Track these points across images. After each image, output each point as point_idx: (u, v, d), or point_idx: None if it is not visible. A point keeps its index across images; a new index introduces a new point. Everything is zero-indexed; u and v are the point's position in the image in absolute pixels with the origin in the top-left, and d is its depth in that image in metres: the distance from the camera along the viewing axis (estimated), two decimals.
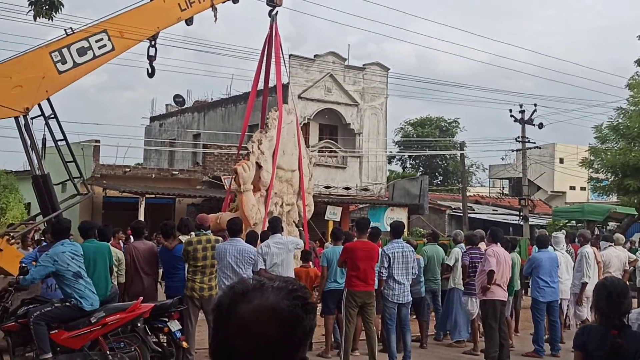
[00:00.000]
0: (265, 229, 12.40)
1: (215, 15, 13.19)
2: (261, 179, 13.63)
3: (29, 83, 10.55)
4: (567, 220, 21.83)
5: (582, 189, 42.19)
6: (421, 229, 28.65)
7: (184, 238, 9.05)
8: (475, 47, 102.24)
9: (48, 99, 11.10)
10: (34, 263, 7.86)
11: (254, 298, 1.60)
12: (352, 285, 8.88)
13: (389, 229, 11.24)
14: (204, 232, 8.86)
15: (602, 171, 26.20)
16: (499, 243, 9.76)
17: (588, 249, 10.98)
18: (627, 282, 11.98)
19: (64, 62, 10.88)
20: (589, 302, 10.79)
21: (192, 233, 9.25)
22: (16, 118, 10.71)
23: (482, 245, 10.57)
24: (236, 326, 1.58)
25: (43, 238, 12.09)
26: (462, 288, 10.73)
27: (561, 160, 41.99)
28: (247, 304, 1.59)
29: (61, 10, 10.14)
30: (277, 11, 14.91)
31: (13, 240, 10.42)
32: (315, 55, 28.37)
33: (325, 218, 22.44)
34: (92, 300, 7.16)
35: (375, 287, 9.31)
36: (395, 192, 29.35)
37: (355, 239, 9.57)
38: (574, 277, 11.02)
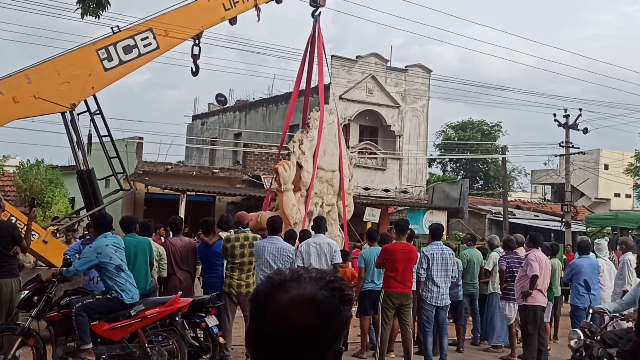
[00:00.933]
0: (308, 228, 12.47)
1: (258, 16, 13.30)
2: (302, 178, 13.68)
3: (76, 79, 10.80)
4: (600, 228, 21.34)
5: (627, 196, 41.17)
6: (460, 233, 28.34)
7: (223, 235, 9.15)
8: (521, 50, 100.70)
9: (94, 96, 11.35)
10: (77, 255, 8.03)
11: (291, 288, 1.61)
12: (390, 286, 8.85)
13: (427, 232, 11.17)
14: (242, 229, 8.95)
15: None
16: (539, 248, 9.63)
17: (630, 256, 10.72)
18: None
19: (110, 59, 11.11)
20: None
21: (232, 230, 9.36)
22: (63, 113, 10.97)
23: (521, 250, 10.42)
24: (274, 316, 1.59)
25: (87, 232, 12.35)
26: (501, 293, 10.61)
27: (606, 167, 41.05)
28: (285, 293, 1.60)
29: (108, 8, 10.36)
30: (320, 12, 14.96)
31: (58, 233, 10.68)
32: (357, 57, 28.32)
33: (364, 219, 22.39)
34: (132, 294, 7.28)
35: (414, 288, 9.28)
36: (434, 195, 29.10)
37: (394, 240, 9.52)
38: (616, 284, 10.77)
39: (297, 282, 1.62)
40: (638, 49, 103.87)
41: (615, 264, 11.43)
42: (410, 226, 26.05)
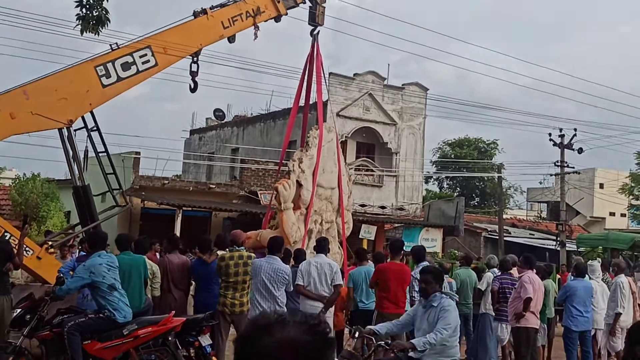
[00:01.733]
0: (308, 246, 12.46)
1: (255, 34, 13.38)
2: (301, 197, 13.70)
3: (73, 96, 10.83)
4: (591, 248, 21.37)
5: (622, 215, 41.26)
6: (456, 251, 28.32)
7: (222, 253, 9.16)
8: (516, 70, 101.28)
9: (91, 112, 11.37)
10: (71, 273, 8.03)
11: (275, 332, 1.64)
12: (383, 307, 8.85)
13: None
14: (237, 248, 8.94)
15: None
16: (533, 269, 9.65)
17: (623, 278, 10.75)
18: None
19: (108, 76, 11.15)
20: (623, 332, 10.55)
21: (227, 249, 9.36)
22: (60, 129, 10.99)
23: (515, 271, 10.44)
24: (258, 359, 1.62)
25: (80, 247, 12.33)
26: (493, 313, 10.61)
27: (601, 186, 41.16)
28: (269, 337, 1.63)
29: (107, 25, 10.42)
30: (319, 30, 15.05)
31: (52, 250, 10.67)
32: (354, 74, 28.49)
33: (360, 236, 22.39)
34: (125, 313, 7.27)
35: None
36: (430, 212, 29.13)
37: (389, 259, 9.53)
38: (608, 307, 10.79)
39: (281, 325, 1.65)
40: (632, 70, 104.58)
41: (608, 286, 11.44)
42: (406, 244, 26.11)
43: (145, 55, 11.62)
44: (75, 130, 11.30)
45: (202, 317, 8.14)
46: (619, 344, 10.65)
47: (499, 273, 10.67)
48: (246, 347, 1.65)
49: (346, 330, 10.42)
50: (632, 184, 25.71)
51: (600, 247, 23.14)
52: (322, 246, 9.22)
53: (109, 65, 11.19)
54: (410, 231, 26.14)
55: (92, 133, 11.53)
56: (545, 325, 10.93)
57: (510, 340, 10.13)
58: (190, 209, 21.25)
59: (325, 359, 1.65)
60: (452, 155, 48.76)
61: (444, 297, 6.16)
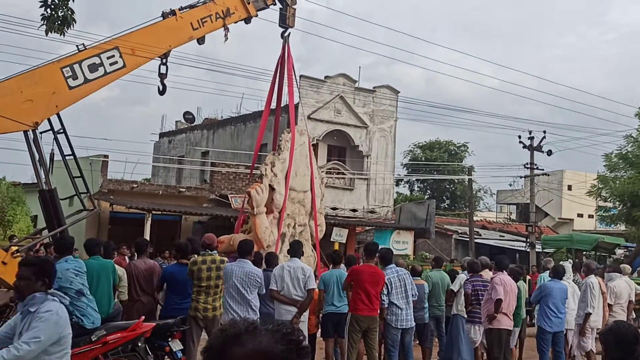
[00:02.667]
0: (281, 249, 12.37)
1: (226, 35, 13.28)
2: (274, 201, 13.63)
3: (39, 98, 10.59)
4: (555, 249, 21.64)
5: (590, 216, 41.92)
6: (427, 253, 28.48)
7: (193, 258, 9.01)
8: (485, 72, 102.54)
9: (58, 114, 11.14)
10: None
11: (247, 342, 1.55)
12: (357, 309, 8.82)
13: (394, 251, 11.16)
14: (210, 252, 8.81)
15: (611, 200, 26.05)
16: (505, 271, 9.69)
17: (593, 279, 10.87)
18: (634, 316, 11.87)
19: (75, 77, 10.93)
20: (593, 332, 10.66)
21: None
22: (25, 132, 10.74)
23: (486, 273, 10.48)
24: None
25: (46, 252, 12.07)
26: (465, 315, 10.63)
27: (569, 188, 41.82)
28: (240, 347, 1.54)
29: (73, 26, 10.22)
30: (290, 32, 15.00)
31: (17, 254, 10.40)
32: (325, 77, 28.48)
33: (332, 239, 22.36)
34: (93, 318, 7.11)
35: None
36: (402, 215, 29.25)
37: (362, 262, 9.50)
38: (579, 307, 10.89)
39: (252, 335, 1.56)
40: (599, 73, 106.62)
41: (579, 286, 11.55)
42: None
43: (113, 56, 11.43)
44: (41, 132, 11.06)
45: (173, 322, 8.01)
46: (589, 344, 10.75)
47: (470, 275, 10.68)
48: (214, 358, 1.55)
49: (318, 334, 10.38)
50: (600, 186, 26.06)
51: (565, 248, 23.47)
52: (295, 250, 9.12)
53: (76, 67, 10.97)
54: (381, 234, 26.18)
55: (58, 136, 11.30)
56: (517, 328, 10.97)
57: (483, 341, 10.16)
58: (159, 212, 20.99)
59: None
60: (423, 158, 49.12)
61: (49, 300, 4.45)
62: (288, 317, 8.37)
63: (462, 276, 11.14)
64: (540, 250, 25.67)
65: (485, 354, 10.49)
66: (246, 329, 1.57)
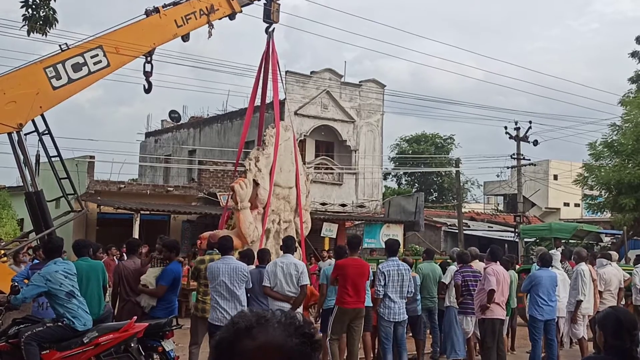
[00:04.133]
0: (265, 245, 12.31)
1: (210, 32, 13.21)
2: (258, 196, 13.56)
3: (22, 99, 10.49)
4: (535, 239, 21.70)
5: (577, 205, 42.22)
6: (417, 246, 28.55)
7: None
8: (470, 64, 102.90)
9: (42, 115, 11.04)
10: (25, 281, 7.74)
11: (258, 334, 1.49)
12: (343, 302, 8.85)
13: (384, 246, 11.14)
14: (217, 251, 8.75)
15: (596, 188, 26.20)
16: (498, 262, 9.72)
17: (584, 266, 10.93)
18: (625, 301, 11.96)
19: (58, 77, 10.83)
20: (585, 320, 10.72)
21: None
22: (9, 134, 10.63)
23: (477, 264, 10.51)
24: None
25: (34, 255, 11.96)
26: (457, 307, 10.66)
27: (555, 177, 42.05)
28: (252, 340, 1.49)
29: (55, 26, 10.11)
30: (274, 28, 14.94)
31: (5, 258, 10.31)
32: (311, 72, 28.43)
33: (322, 235, 22.37)
34: (84, 320, 7.03)
35: (367, 304, 9.35)
36: (391, 208, 29.29)
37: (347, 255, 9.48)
38: (570, 295, 10.95)
39: (264, 327, 1.50)
40: (582, 62, 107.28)
41: (569, 274, 11.61)
42: (368, 240, 26.11)
43: (97, 55, 11.35)
44: (25, 134, 10.96)
45: (165, 321, 7.94)
46: (581, 330, 10.82)
47: (459, 266, 10.70)
48: (226, 351, 1.50)
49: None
50: (586, 175, 26.21)
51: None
52: (288, 246, 9.04)
53: (59, 67, 10.88)
54: (371, 228, 26.22)
55: (43, 137, 11.20)
56: (508, 317, 11.02)
57: (476, 332, 10.18)
58: (148, 212, 20.88)
59: None
60: (410, 151, 49.21)
61: None
62: None
63: (453, 268, 11.16)
64: (530, 240, 25.79)
65: (478, 345, 10.53)
66: (257, 321, 1.52)
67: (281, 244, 9.60)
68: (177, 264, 8.70)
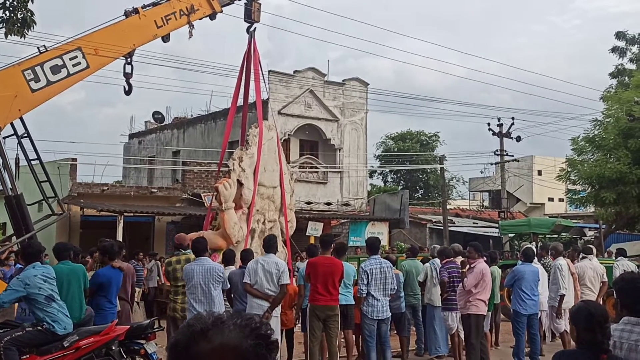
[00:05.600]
0: (250, 246, 12.31)
1: (190, 32, 13.16)
2: (243, 196, 13.54)
3: (1, 102, 10.39)
4: (514, 234, 21.88)
5: (560, 200, 42.54)
6: (402, 243, 28.62)
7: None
8: (453, 62, 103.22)
9: (21, 118, 10.95)
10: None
11: (214, 337, 1.49)
12: (314, 299, 8.93)
13: None
14: (183, 251, 8.76)
15: (579, 183, 26.43)
16: (484, 258, 9.82)
17: (561, 261, 11.05)
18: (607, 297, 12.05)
19: (37, 80, 10.74)
20: (566, 314, 10.82)
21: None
22: None
23: (458, 260, 10.56)
24: None
25: (16, 259, 11.86)
26: (436, 304, 10.72)
27: (539, 173, 42.33)
28: (207, 343, 1.49)
29: (33, 28, 10.05)
30: (255, 27, 14.90)
31: None
32: (294, 71, 28.40)
33: (307, 234, 22.33)
34: (65, 324, 6.99)
35: (348, 302, 9.48)
36: (376, 206, 29.33)
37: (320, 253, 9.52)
38: (550, 289, 11.05)
39: (219, 329, 1.50)
40: (564, 58, 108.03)
41: (547, 269, 11.67)
42: (353, 238, 26.09)
43: (76, 57, 11.25)
44: (4, 137, 10.86)
45: (147, 324, 7.92)
46: (563, 325, 10.91)
47: (443, 262, 10.70)
48: (181, 354, 1.50)
49: (296, 328, 10.38)
50: (569, 170, 26.44)
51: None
52: (269, 245, 9.03)
53: (38, 69, 10.78)
54: (356, 226, 26.25)
55: (22, 140, 11.11)
56: (491, 312, 11.09)
57: (459, 328, 10.22)
58: (132, 214, 20.74)
59: None
60: (395, 149, 49.31)
61: None
62: (260, 312, 8.33)
63: (427, 265, 11.19)
64: (499, 235, 25.95)
65: (463, 340, 10.59)
66: (213, 323, 1.52)
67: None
68: (110, 268, 8.45)
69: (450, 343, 10.79)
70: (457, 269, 10.18)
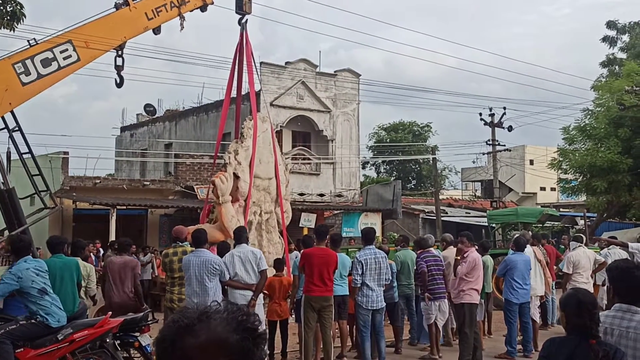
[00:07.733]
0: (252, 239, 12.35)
1: (181, 24, 13.13)
2: (239, 189, 13.57)
3: None
4: (501, 223, 22.00)
5: (552, 189, 42.75)
6: (395, 234, 28.70)
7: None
8: (443, 52, 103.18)
9: (12, 111, 10.91)
10: None
11: (200, 331, 1.48)
12: (309, 290, 8.94)
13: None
14: (181, 244, 8.82)
15: (571, 172, 26.56)
16: (475, 247, 9.87)
17: (528, 249, 11.21)
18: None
19: (27, 73, 10.69)
20: (534, 300, 11.05)
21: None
22: None
23: (450, 250, 10.62)
24: None
25: (8, 254, 11.84)
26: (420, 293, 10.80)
27: (531, 162, 42.49)
28: (194, 338, 1.48)
29: (23, 21, 10.00)
30: (247, 19, 14.88)
31: None
32: (286, 63, 28.35)
33: (300, 225, 22.37)
34: (58, 317, 6.99)
35: (343, 293, 9.48)
36: (368, 197, 29.40)
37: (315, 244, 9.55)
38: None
39: (205, 324, 1.49)
40: (555, 48, 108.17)
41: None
42: (346, 229, 26.14)
43: (67, 50, 11.21)
44: None
45: (141, 316, 7.94)
46: (535, 313, 11.15)
47: (419, 252, 10.74)
48: (168, 349, 1.49)
49: (291, 319, 10.40)
50: (560, 159, 26.56)
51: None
52: (239, 236, 8.99)
53: (28, 62, 10.73)
54: (349, 217, 26.31)
55: (14, 134, 11.07)
56: (483, 300, 11.16)
57: (452, 317, 10.28)
58: (124, 207, 20.73)
59: (255, 357, 1.51)
60: (388, 140, 49.34)
61: None
62: (244, 302, 8.32)
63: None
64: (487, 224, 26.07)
65: (455, 329, 10.65)
66: (199, 318, 1.51)
67: (262, 235, 9.67)
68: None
69: (443, 333, 10.87)
70: (433, 259, 10.28)
